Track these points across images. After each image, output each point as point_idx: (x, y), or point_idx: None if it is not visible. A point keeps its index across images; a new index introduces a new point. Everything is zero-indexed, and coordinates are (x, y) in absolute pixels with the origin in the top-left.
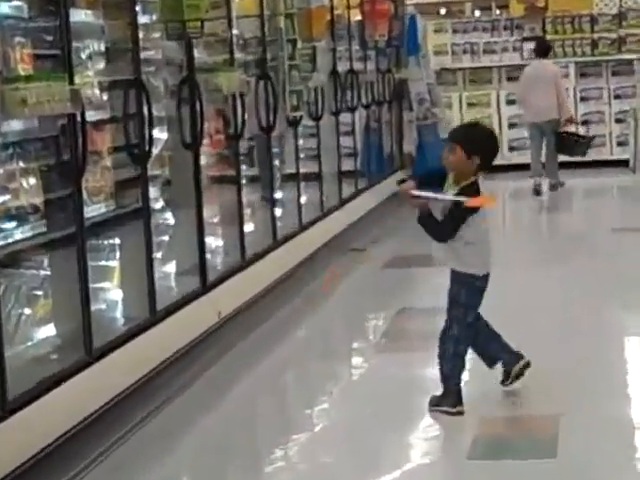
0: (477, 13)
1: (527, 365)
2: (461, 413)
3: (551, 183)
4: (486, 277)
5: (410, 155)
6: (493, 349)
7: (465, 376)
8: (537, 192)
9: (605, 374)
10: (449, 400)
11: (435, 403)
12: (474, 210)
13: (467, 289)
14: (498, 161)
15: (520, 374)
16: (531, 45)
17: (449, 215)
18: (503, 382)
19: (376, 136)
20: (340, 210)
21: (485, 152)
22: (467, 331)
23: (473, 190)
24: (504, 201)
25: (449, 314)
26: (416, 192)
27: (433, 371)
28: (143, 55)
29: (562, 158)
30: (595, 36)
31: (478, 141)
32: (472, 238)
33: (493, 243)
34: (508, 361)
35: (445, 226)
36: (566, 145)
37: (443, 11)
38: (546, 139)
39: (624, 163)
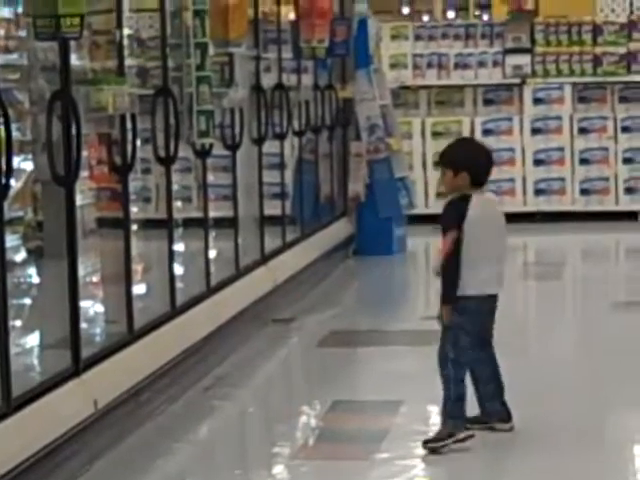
0: (451, 14)
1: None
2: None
3: None
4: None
5: (357, 198)
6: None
7: None
8: None
9: None
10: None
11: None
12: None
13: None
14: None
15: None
16: (515, 59)
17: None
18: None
19: (312, 172)
20: (262, 268)
21: (473, 166)
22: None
23: (461, 204)
24: None
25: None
26: None
27: None
28: (2, 59)
29: (556, 207)
30: (598, 50)
31: (463, 156)
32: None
33: None
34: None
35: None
36: None
37: (406, 10)
38: None
39: (632, 216)
